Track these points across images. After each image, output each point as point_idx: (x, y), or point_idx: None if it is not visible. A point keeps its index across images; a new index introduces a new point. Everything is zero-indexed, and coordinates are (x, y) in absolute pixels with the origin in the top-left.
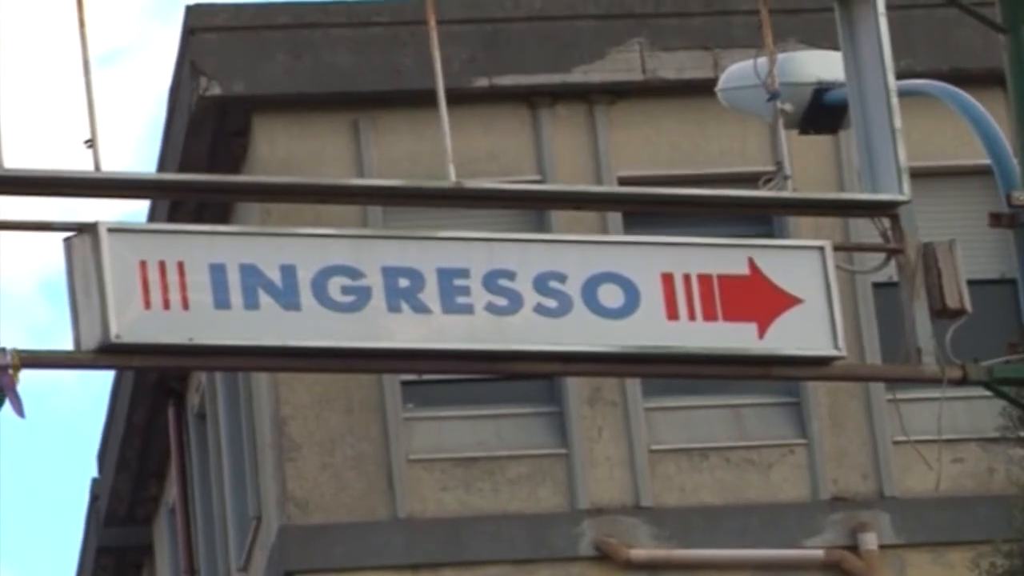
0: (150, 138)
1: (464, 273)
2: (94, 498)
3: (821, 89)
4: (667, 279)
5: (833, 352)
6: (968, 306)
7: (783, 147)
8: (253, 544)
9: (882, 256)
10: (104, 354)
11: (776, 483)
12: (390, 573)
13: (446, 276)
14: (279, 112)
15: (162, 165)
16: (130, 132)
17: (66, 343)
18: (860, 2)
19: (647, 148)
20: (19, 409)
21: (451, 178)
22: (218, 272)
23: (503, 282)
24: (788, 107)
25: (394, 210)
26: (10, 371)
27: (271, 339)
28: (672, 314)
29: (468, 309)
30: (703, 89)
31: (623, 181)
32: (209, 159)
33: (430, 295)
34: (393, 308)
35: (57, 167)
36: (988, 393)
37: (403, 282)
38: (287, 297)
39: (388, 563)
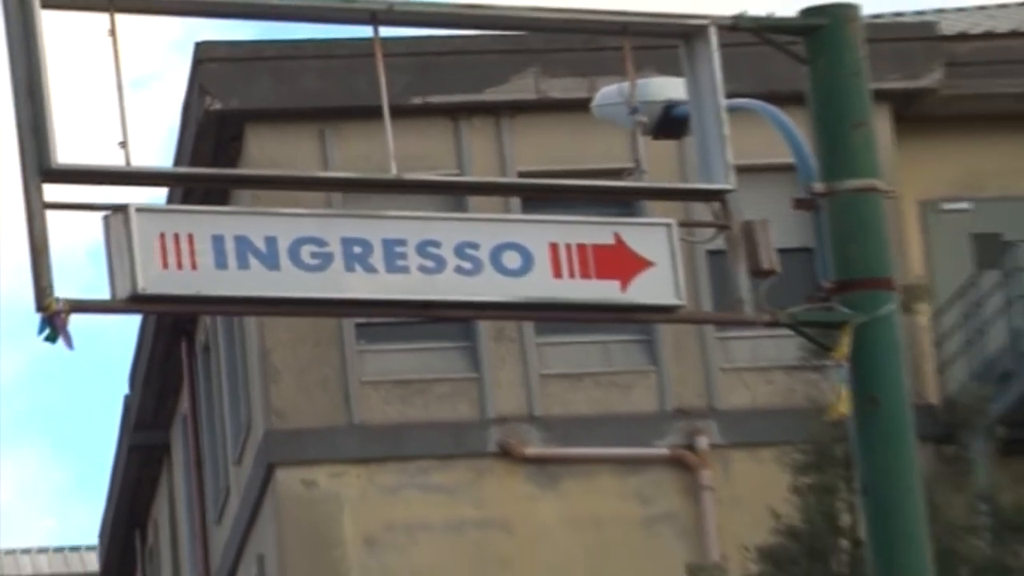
0: (168, 142)
1: (402, 243)
2: (126, 409)
3: (669, 106)
4: (553, 247)
5: (677, 302)
6: (777, 268)
7: (640, 149)
8: (245, 444)
9: (713, 231)
10: (133, 302)
11: (634, 399)
12: (347, 466)
13: (389, 245)
14: (265, 122)
15: (177, 162)
16: (153, 137)
17: (104, 295)
18: (699, 40)
19: (540, 150)
20: (69, 343)
21: (393, 172)
22: (218, 242)
23: (431, 249)
24: (644, 119)
25: (351, 196)
26: (62, 315)
27: (258, 292)
28: (557, 273)
29: (405, 269)
30: (582, 106)
31: (522, 175)
32: (212, 157)
33: (377, 259)
34: (349, 269)
35: (97, 163)
36: (791, 333)
37: (356, 249)
38: (270, 260)
39: (346, 458)
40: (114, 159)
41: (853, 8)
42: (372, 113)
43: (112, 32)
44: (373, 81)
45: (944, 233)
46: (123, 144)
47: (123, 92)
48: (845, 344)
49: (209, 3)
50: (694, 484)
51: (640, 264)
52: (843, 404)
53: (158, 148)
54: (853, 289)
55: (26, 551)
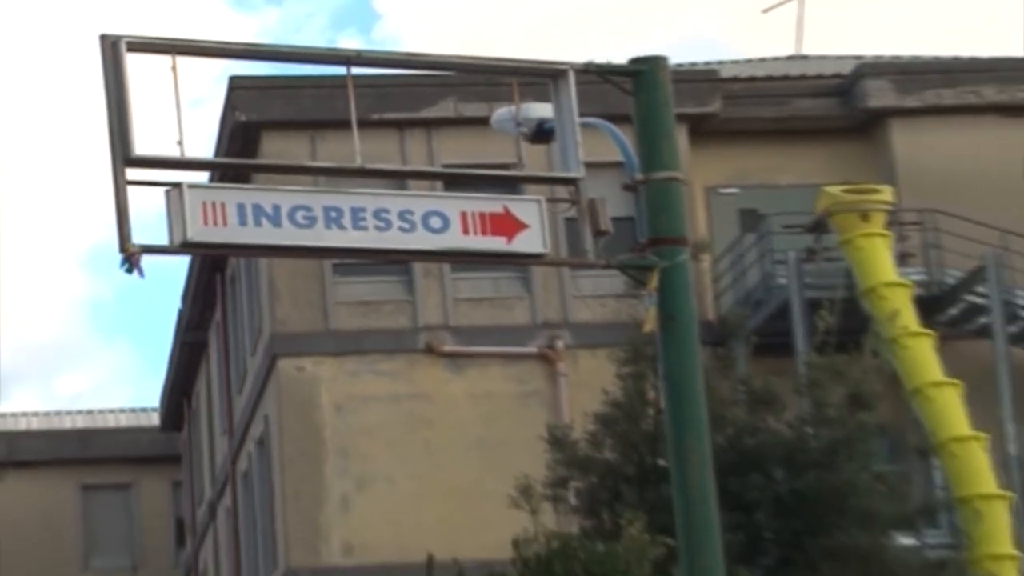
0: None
1: (363, 210)
2: (179, 318)
3: (542, 122)
4: (463, 214)
5: (543, 251)
6: (610, 229)
7: (522, 151)
8: (257, 342)
9: (569, 204)
10: (184, 247)
11: (515, 315)
12: (324, 357)
13: (355, 211)
14: (275, 130)
15: (215, 155)
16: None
17: (165, 242)
18: (562, 79)
19: (456, 150)
20: (141, 274)
21: (358, 163)
22: (241, 208)
23: (383, 215)
24: (525, 131)
25: (331, 179)
26: (136, 255)
27: (267, 241)
28: (465, 232)
29: (365, 228)
30: (484, 121)
31: (444, 166)
32: (239, 153)
33: (347, 221)
34: (327, 227)
35: (162, 154)
36: (620, 272)
37: (333, 214)
38: (275, 220)
39: (324, 352)
40: (173, 152)
41: (663, 59)
42: (346, 124)
43: (173, 68)
44: (347, 102)
45: (720, 209)
46: (179, 142)
47: (180, 108)
48: (654, 280)
49: (238, 50)
50: (553, 372)
51: (520, 226)
52: (652, 320)
53: (203, 146)
54: (659, 244)
55: (112, 411)
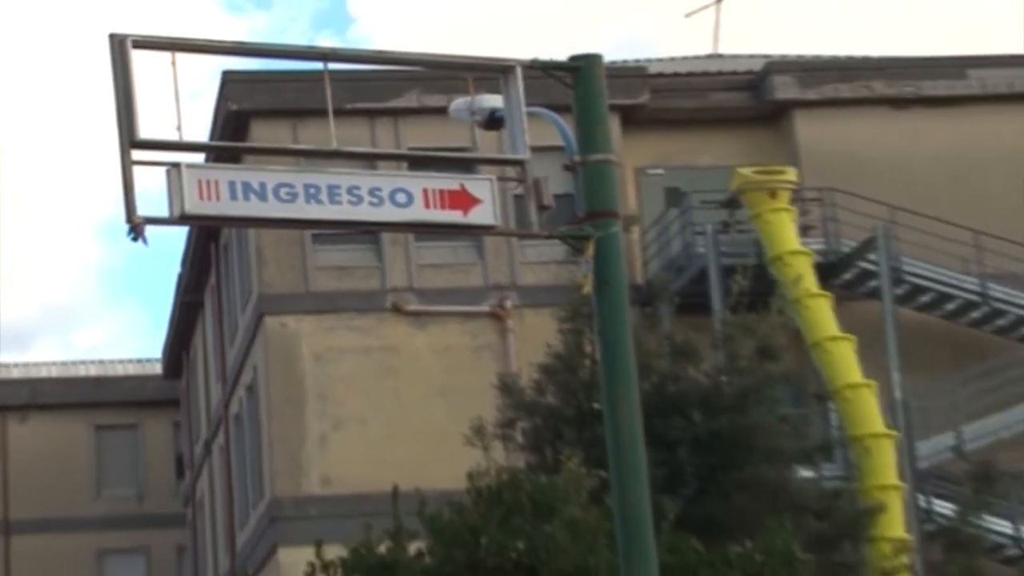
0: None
1: (338, 187)
2: (179, 281)
3: (494, 111)
4: (425, 191)
5: (494, 223)
6: (552, 205)
7: (476, 136)
8: (247, 302)
9: (516, 183)
10: (182, 219)
11: (470, 279)
12: (305, 315)
13: (331, 188)
14: (261, 118)
15: (210, 139)
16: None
17: (165, 214)
18: (511, 74)
19: (419, 136)
20: (145, 242)
21: (334, 146)
22: (232, 185)
23: (355, 191)
24: (479, 119)
25: (310, 160)
26: (141, 225)
27: (255, 214)
28: (427, 206)
29: (340, 203)
30: (444, 111)
31: (409, 149)
32: (231, 137)
33: (324, 196)
34: (307, 202)
35: (163, 138)
36: (560, 242)
37: (312, 191)
38: (262, 196)
39: (304, 310)
40: (173, 136)
41: (598, 57)
42: (323, 112)
43: (173, 63)
44: (324, 94)
45: (647, 187)
46: (178, 128)
47: (179, 98)
48: (590, 249)
49: (230, 48)
50: (503, 328)
51: (474, 201)
52: (588, 283)
53: (199, 131)
54: (595, 218)
55: (120, 361)
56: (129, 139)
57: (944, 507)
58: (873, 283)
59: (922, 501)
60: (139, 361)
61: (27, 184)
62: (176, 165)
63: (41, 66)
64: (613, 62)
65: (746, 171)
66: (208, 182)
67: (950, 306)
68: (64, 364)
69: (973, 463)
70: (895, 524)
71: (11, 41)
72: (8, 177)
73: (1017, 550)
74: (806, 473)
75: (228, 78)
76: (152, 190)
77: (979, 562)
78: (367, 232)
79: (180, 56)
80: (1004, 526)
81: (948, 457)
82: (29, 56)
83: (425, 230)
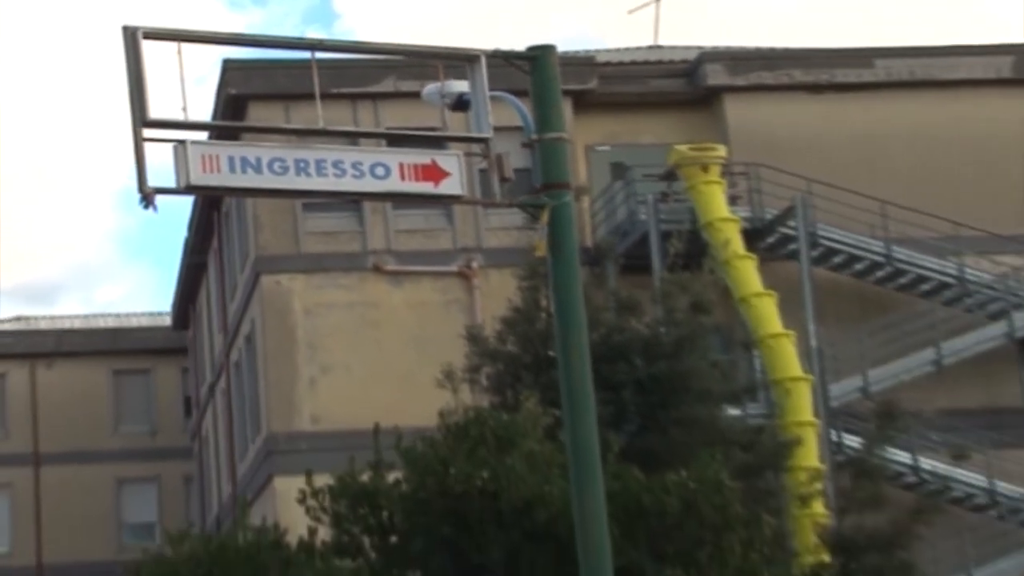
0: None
1: (325, 162)
2: (186, 244)
3: (461, 95)
4: (401, 165)
5: (462, 193)
6: (512, 177)
7: (445, 117)
8: (245, 262)
9: (481, 157)
10: (188, 189)
11: (440, 242)
12: (297, 273)
13: (319, 163)
14: (258, 101)
15: (212, 119)
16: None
17: (172, 185)
18: (476, 63)
19: (396, 116)
20: (155, 209)
21: (321, 125)
22: (231, 159)
23: (340, 165)
24: (448, 102)
25: (301, 138)
26: (151, 195)
27: (251, 185)
28: (403, 178)
29: (326, 175)
30: (417, 95)
31: (387, 128)
32: (231, 118)
33: (312, 170)
34: (298, 175)
35: (171, 117)
36: (520, 210)
37: (302, 164)
38: (258, 169)
39: (296, 269)
40: (179, 116)
41: (552, 47)
42: (311, 96)
43: (179, 52)
44: (312, 80)
45: (596, 162)
46: (184, 109)
47: (184, 83)
48: (545, 216)
49: (229, 39)
50: (470, 286)
51: (444, 174)
52: (543, 246)
53: (203, 112)
54: (549, 189)
55: (135, 314)
56: (141, 119)
57: (852, 441)
58: (792, 246)
59: (833, 436)
60: (151, 314)
61: (53, 159)
62: (182, 142)
63: (64, 53)
64: (565, 52)
65: (682, 148)
66: (210, 157)
67: (859, 266)
68: (86, 317)
69: (877, 403)
70: (810, 455)
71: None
72: (36, 153)
73: (915, 478)
74: (733, 411)
75: (228, 66)
76: (161, 164)
77: (882, 488)
78: (350, 201)
79: (185, 46)
80: (904, 457)
81: (856, 397)
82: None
83: (401, 199)
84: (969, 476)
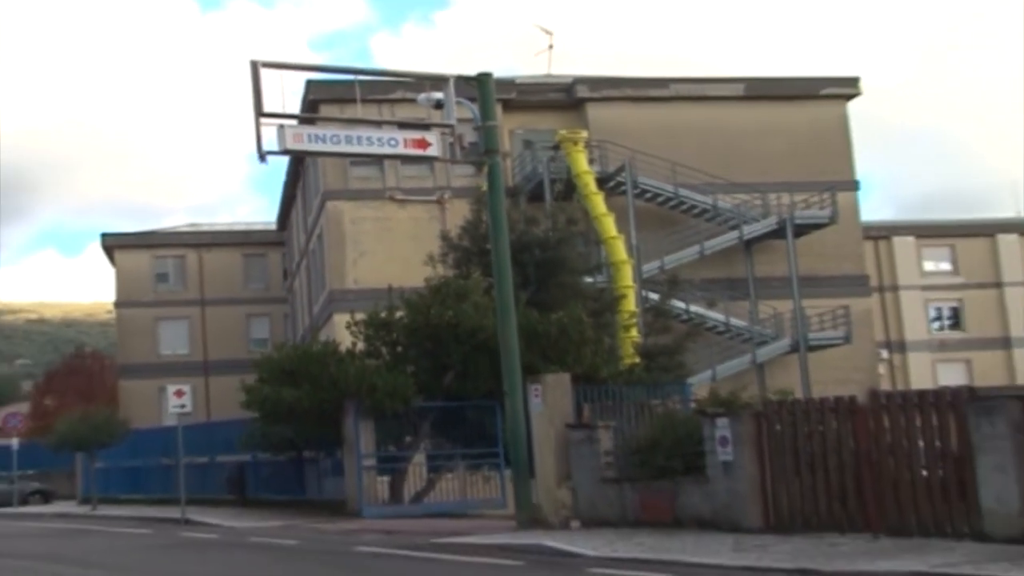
0: (297, 105)
1: (362, 137)
2: (285, 185)
3: (440, 100)
4: (405, 139)
5: (440, 155)
6: (467, 147)
7: (430, 113)
8: (318, 192)
9: (451, 135)
10: (284, 152)
11: (427, 183)
12: (349, 201)
13: (359, 137)
14: (326, 103)
15: (300, 112)
16: (293, 103)
17: (277, 148)
18: (448, 82)
19: (404, 111)
20: (266, 162)
21: (360, 116)
22: (311, 135)
23: (370, 139)
24: (431, 103)
25: (349, 124)
26: (264, 155)
27: (321, 149)
28: (407, 146)
29: (363, 144)
30: (414, 101)
31: (398, 118)
32: (309, 111)
33: (355, 141)
34: (348, 144)
35: (277, 110)
36: (473, 166)
37: (349, 138)
38: (324, 141)
39: (348, 197)
40: (280, 110)
41: (490, 74)
42: (354, 100)
43: (282, 76)
44: (356, 91)
45: (515, 139)
46: (283, 106)
47: (284, 93)
48: (485, 169)
49: (309, 67)
50: (443, 208)
51: (429, 145)
52: (484, 186)
53: (294, 107)
54: (489, 153)
55: (258, 222)
56: (258, 112)
57: (653, 296)
58: (623, 188)
59: (643, 293)
60: (265, 222)
61: (215, 132)
62: (282, 125)
63: (233, 72)
64: (498, 77)
65: (563, 132)
66: (297, 134)
67: (659, 199)
68: (229, 223)
69: (667, 275)
70: (630, 304)
71: (224, 57)
72: (207, 128)
73: (687, 316)
74: (589, 279)
75: (309, 83)
76: (269, 137)
77: (669, 322)
78: (378, 158)
79: (286, 72)
80: (681, 304)
81: (656, 272)
82: (232, 67)
83: (405, 159)
84: (715, 315)
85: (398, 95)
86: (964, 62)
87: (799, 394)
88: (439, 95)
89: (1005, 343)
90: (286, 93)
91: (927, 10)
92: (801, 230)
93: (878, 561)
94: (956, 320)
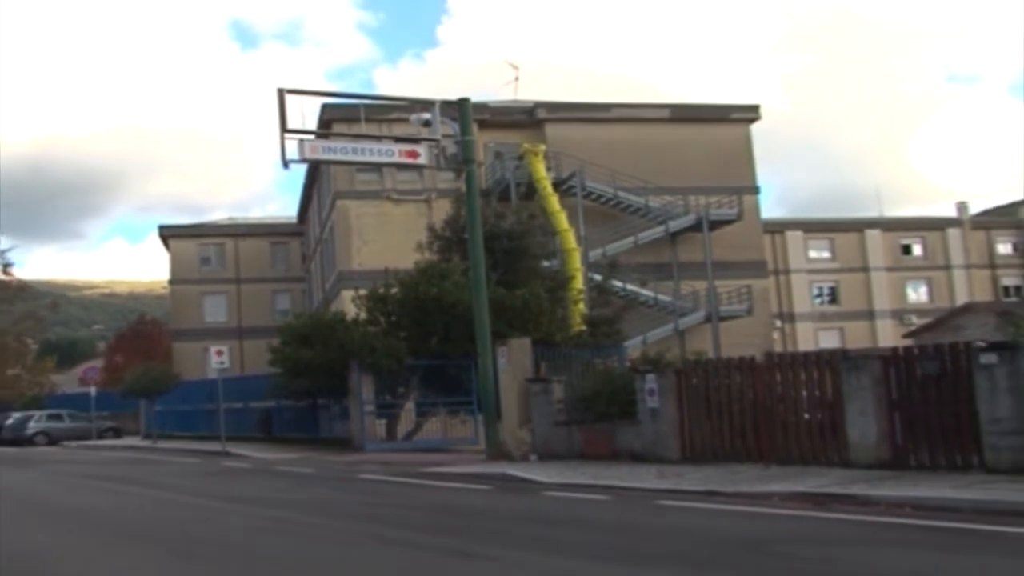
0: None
1: (366, 148)
2: (304, 186)
3: (428, 119)
4: (400, 150)
5: (428, 163)
6: (449, 157)
7: (420, 131)
8: (329, 192)
9: (437, 148)
10: (303, 160)
11: (417, 185)
12: (351, 195)
13: (364, 149)
14: (337, 120)
15: (316, 128)
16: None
17: (297, 157)
18: (434, 105)
19: (399, 128)
20: (288, 168)
21: (364, 131)
22: (325, 147)
23: (372, 150)
24: (421, 122)
25: (355, 139)
26: (288, 162)
27: (333, 158)
28: (400, 156)
29: (367, 154)
30: (407, 120)
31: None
32: (324, 128)
33: (360, 151)
34: (354, 154)
35: (297, 127)
36: (454, 172)
37: (356, 150)
38: (335, 152)
39: (352, 193)
40: (300, 126)
41: (468, 99)
42: (359, 119)
43: (303, 100)
44: (361, 111)
45: (488, 151)
46: (303, 124)
47: (304, 114)
48: (463, 174)
49: (323, 93)
50: (430, 206)
51: (418, 155)
52: (463, 187)
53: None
54: (467, 162)
55: (281, 216)
56: (283, 128)
57: (597, 277)
58: (575, 190)
59: (589, 275)
60: (288, 216)
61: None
62: (302, 140)
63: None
64: (476, 101)
65: (526, 145)
66: (314, 146)
67: (603, 199)
68: (259, 217)
69: (608, 260)
70: (578, 283)
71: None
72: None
73: (623, 293)
74: (546, 263)
75: (325, 106)
76: (292, 149)
77: (609, 298)
78: (379, 167)
79: (305, 98)
80: (620, 283)
81: (599, 257)
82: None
83: (400, 167)
84: (646, 292)
85: (395, 115)
86: (839, 93)
87: (711, 355)
88: (427, 115)
89: (870, 315)
90: (305, 114)
91: (813, 46)
92: (714, 225)
93: (769, 484)
94: (833, 297)
